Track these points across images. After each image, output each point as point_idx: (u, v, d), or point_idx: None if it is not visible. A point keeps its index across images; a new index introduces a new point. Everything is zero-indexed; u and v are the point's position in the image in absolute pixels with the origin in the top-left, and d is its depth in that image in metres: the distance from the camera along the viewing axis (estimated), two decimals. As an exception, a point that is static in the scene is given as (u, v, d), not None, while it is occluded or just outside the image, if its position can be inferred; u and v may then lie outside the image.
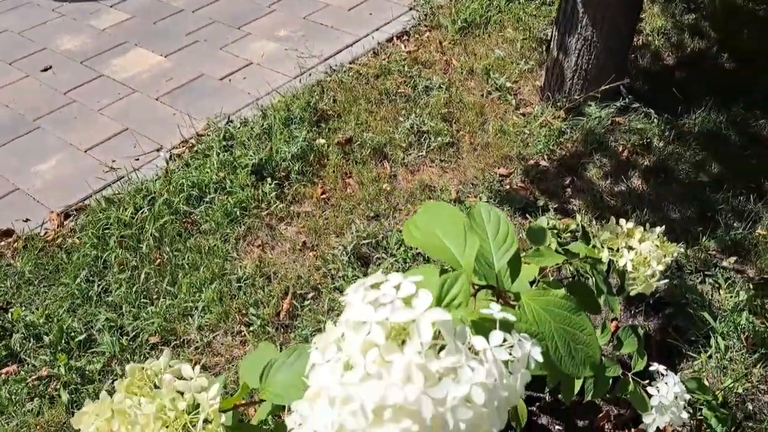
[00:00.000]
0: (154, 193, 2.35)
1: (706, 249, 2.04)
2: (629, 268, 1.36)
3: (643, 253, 1.37)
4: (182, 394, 1.00)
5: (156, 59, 3.20)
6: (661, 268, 1.37)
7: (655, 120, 2.51)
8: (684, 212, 2.18)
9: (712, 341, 1.77)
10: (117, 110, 2.89)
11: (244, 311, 1.96)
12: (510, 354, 0.69)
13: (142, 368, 0.97)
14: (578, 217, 1.94)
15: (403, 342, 0.67)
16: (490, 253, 1.04)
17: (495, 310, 0.78)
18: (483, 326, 0.72)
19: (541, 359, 0.74)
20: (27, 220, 2.36)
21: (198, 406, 0.97)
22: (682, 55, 2.95)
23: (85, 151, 2.65)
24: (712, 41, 3.00)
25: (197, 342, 1.89)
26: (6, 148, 2.71)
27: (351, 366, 0.62)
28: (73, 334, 1.92)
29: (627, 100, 2.54)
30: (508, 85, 2.76)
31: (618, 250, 1.38)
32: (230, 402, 1.11)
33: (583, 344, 0.97)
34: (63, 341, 1.89)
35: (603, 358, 1.53)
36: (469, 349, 0.66)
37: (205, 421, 0.96)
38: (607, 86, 2.48)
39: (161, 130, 2.74)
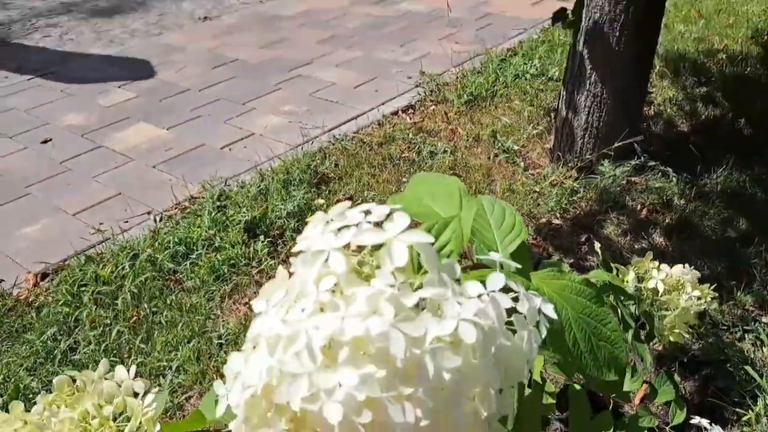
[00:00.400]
0: (138, 250, 2.19)
1: (741, 304, 1.83)
2: (660, 288, 1.16)
3: (675, 275, 1.18)
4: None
5: (157, 132, 3.15)
6: (697, 293, 1.18)
7: (673, 178, 2.36)
8: (713, 268, 1.98)
9: (760, 402, 1.51)
10: (111, 177, 2.79)
11: (223, 371, 1.74)
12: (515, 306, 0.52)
13: (72, 380, 0.78)
14: (597, 243, 1.74)
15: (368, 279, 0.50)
16: (494, 242, 0.85)
17: (495, 257, 0.61)
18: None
19: (554, 315, 0.56)
20: (1, 280, 2.20)
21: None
22: (697, 122, 2.85)
23: (74, 215, 2.53)
24: (725, 109, 2.91)
25: (167, 404, 1.65)
26: (-8, 213, 2.60)
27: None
28: (30, 394, 1.70)
29: (642, 158, 2.41)
30: (516, 148, 2.66)
31: (644, 276, 1.20)
32: (175, 427, 0.89)
33: (607, 341, 0.77)
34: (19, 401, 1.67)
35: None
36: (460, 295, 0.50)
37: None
38: (621, 144, 2.36)
39: (155, 195, 2.62)
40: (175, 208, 2.49)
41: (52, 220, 2.50)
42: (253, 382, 0.46)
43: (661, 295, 1.17)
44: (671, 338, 1.21)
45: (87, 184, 2.75)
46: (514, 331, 0.52)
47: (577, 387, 1.23)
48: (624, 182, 2.37)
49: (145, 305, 1.96)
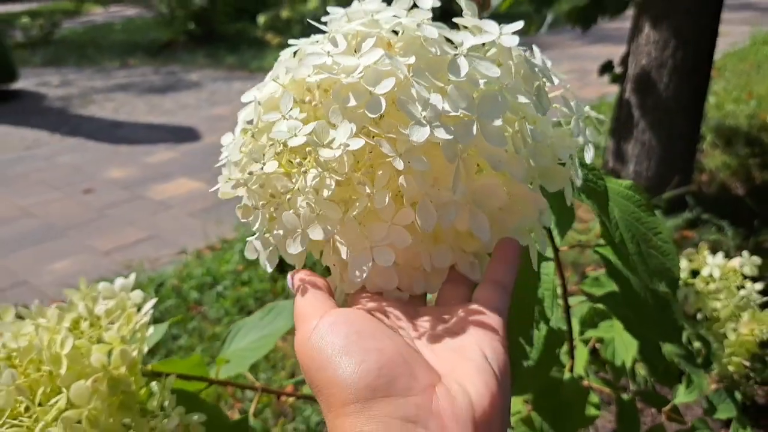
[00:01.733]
0: (165, 280, 2.12)
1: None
2: (716, 274, 1.04)
3: (732, 264, 1.06)
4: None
5: (196, 185, 3.17)
6: (759, 286, 1.05)
7: (729, 232, 2.21)
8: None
9: None
10: (146, 222, 2.78)
11: (239, 396, 1.60)
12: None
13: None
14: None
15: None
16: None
17: None
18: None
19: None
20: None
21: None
22: (751, 185, 2.72)
23: (105, 253, 2.50)
24: (781, 175, 2.78)
25: (177, 426, 1.51)
26: (28, 252, 2.59)
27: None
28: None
29: (695, 211, 2.28)
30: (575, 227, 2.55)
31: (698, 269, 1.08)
32: (169, 365, 0.80)
33: (657, 250, 0.67)
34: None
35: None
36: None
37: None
38: (671, 195, 2.24)
39: (188, 238, 2.59)
40: (207, 249, 2.44)
41: (83, 257, 2.46)
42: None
43: (716, 288, 1.04)
44: (731, 368, 1.07)
45: (122, 228, 2.74)
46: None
47: (625, 397, 1.08)
48: (676, 236, 2.23)
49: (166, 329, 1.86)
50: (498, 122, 0.38)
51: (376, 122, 0.38)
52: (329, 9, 0.46)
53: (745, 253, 1.05)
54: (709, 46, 2.16)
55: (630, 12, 2.34)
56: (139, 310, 0.72)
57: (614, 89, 2.47)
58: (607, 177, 0.72)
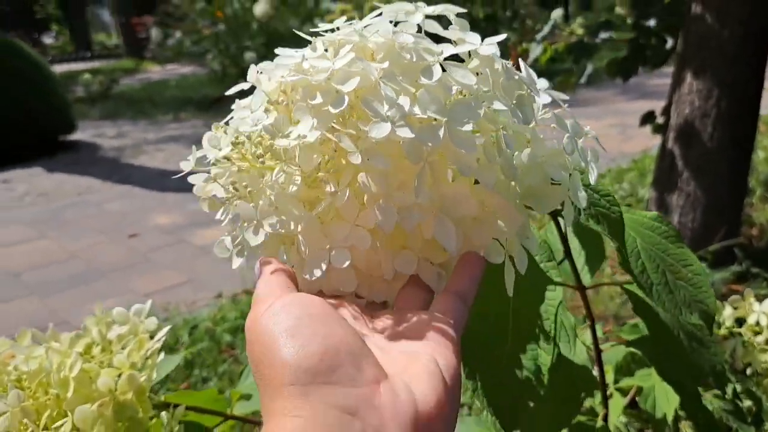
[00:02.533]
0: (199, 323, 2.13)
1: None
2: (763, 321, 0.98)
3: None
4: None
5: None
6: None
7: (785, 288, 2.11)
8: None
9: None
10: (186, 266, 2.82)
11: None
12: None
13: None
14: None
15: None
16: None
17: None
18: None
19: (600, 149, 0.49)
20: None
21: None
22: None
23: (145, 295, 2.53)
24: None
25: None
26: (70, 293, 2.66)
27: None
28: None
29: (744, 264, 2.18)
30: (606, 265, 2.49)
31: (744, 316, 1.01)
32: (184, 396, 0.79)
33: (688, 282, 0.63)
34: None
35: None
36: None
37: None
38: (718, 247, 2.16)
39: (225, 283, 2.60)
40: (243, 293, 2.45)
41: (123, 299, 2.50)
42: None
43: (765, 338, 0.98)
44: None
45: (163, 272, 2.78)
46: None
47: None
48: (724, 290, 2.14)
49: (197, 371, 1.85)
50: (468, 126, 0.36)
51: (343, 121, 0.38)
52: (319, 24, 0.47)
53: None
54: (755, 96, 2.11)
55: (671, 67, 2.32)
56: (152, 337, 0.72)
57: (656, 143, 2.43)
58: (630, 209, 0.69)
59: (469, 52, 0.41)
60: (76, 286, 2.71)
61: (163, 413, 0.72)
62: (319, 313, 0.35)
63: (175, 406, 0.72)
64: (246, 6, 7.07)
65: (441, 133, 0.36)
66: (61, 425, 0.60)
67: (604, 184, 3.38)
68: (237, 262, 0.44)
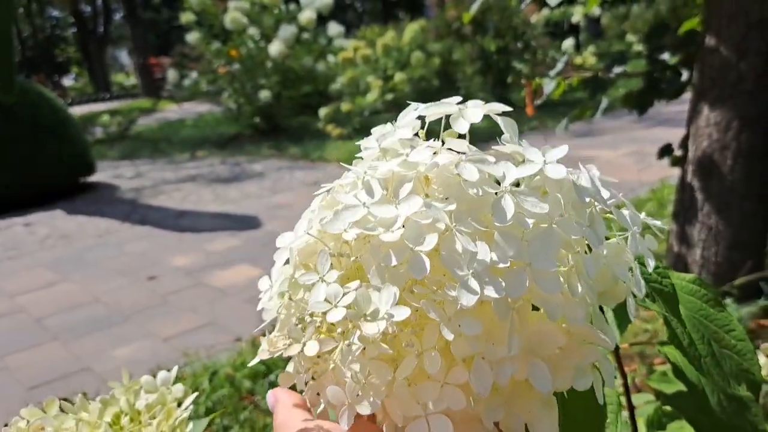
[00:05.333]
0: (218, 369, 2.12)
1: None
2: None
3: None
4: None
5: (256, 272, 3.22)
6: None
7: (814, 322, 2.06)
8: None
9: None
10: (205, 309, 2.82)
11: None
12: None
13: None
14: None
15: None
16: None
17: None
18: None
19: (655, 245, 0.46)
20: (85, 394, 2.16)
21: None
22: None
23: (164, 340, 2.53)
24: None
25: None
26: (93, 337, 2.66)
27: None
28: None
29: (772, 298, 2.14)
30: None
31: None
32: None
33: (732, 350, 0.61)
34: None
35: None
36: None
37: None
38: (743, 281, 2.12)
39: (244, 326, 2.61)
40: (262, 336, 2.44)
41: (144, 344, 2.50)
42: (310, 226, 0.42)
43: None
44: None
45: (182, 314, 2.79)
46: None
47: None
48: (752, 324, 2.09)
49: (218, 420, 1.84)
50: (551, 267, 0.35)
51: (420, 281, 0.36)
52: (361, 143, 0.44)
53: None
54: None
55: (689, 95, 2.31)
56: (179, 404, 0.71)
57: (675, 171, 2.41)
58: (670, 272, 0.68)
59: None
60: (98, 330, 2.72)
61: (193, 482, 0.71)
62: None
63: (204, 473, 0.71)
64: (260, 45, 7.20)
65: (525, 281, 0.34)
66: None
67: (623, 215, 3.36)
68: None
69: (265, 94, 7.06)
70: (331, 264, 0.38)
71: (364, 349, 0.36)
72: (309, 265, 0.39)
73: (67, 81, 21.74)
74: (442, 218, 0.35)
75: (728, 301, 2.13)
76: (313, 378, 0.39)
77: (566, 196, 0.38)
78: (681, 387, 0.92)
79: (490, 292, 0.33)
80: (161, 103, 12.75)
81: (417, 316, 0.36)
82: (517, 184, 0.39)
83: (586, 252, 0.40)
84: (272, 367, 2.10)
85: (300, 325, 0.38)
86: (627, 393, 0.82)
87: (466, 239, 0.35)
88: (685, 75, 2.36)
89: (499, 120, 0.43)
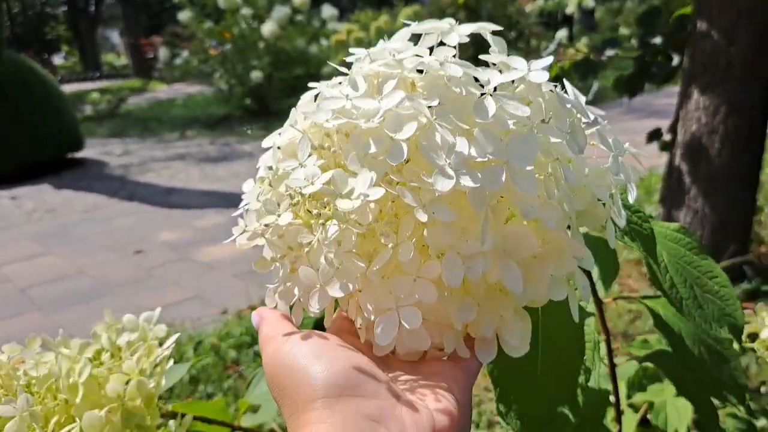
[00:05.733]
0: (203, 339, 2.12)
1: None
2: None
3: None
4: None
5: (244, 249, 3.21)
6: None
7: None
8: None
9: None
10: (192, 283, 2.82)
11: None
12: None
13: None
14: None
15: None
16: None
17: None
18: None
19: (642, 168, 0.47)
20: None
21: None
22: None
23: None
24: None
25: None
26: (76, 308, 2.65)
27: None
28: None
29: (754, 281, 2.16)
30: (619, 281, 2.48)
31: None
32: (192, 407, 0.78)
33: (715, 295, 0.62)
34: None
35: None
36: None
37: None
38: (727, 264, 2.14)
39: (230, 299, 2.60)
40: (248, 309, 2.44)
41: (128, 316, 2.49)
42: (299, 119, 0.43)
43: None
44: None
45: (168, 287, 2.78)
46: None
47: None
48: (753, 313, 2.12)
49: (202, 387, 1.84)
50: (529, 167, 0.35)
51: (399, 169, 0.36)
52: (352, 50, 0.45)
53: (807, 316, 0.97)
54: (763, 114, 2.10)
55: (678, 87, 2.32)
56: (161, 344, 0.72)
57: (663, 161, 2.43)
58: (654, 221, 0.68)
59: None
60: (82, 302, 2.70)
61: (171, 421, 0.71)
62: (336, 343, 0.38)
63: (183, 415, 0.71)
64: (253, 25, 7.14)
65: (503, 175, 0.35)
66: (70, 430, 0.59)
67: (611, 202, 3.38)
68: (298, 318, 0.42)
69: (256, 75, 7.01)
70: (312, 154, 0.38)
71: (339, 241, 0.37)
72: (296, 155, 0.40)
73: (57, 59, 21.50)
74: (423, 111, 0.36)
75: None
76: (290, 268, 0.40)
77: (548, 104, 0.39)
78: (661, 347, 0.94)
79: (466, 181, 0.34)
80: (152, 84, 12.64)
81: (394, 207, 0.37)
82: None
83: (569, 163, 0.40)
84: (257, 338, 2.10)
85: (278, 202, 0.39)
86: (609, 351, 0.83)
87: (446, 132, 0.35)
88: (675, 60, 2.36)
89: (489, 37, 0.43)
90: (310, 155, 0.39)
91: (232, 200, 4.10)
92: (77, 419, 0.60)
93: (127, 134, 7.16)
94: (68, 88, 10.15)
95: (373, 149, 0.36)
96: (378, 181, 0.36)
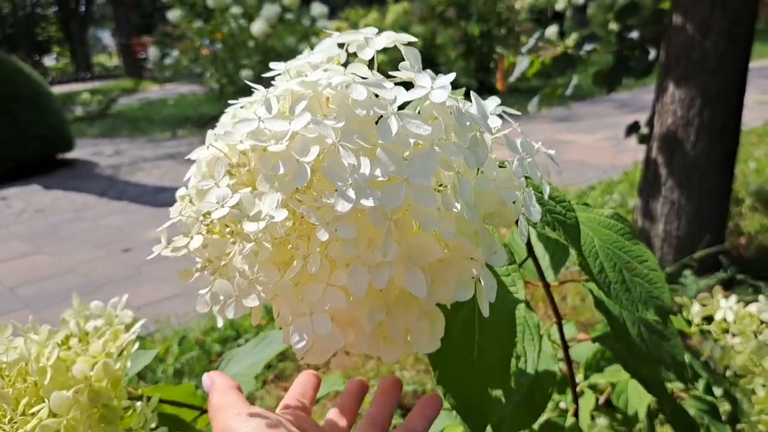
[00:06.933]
0: (188, 334, 2.15)
1: None
2: (729, 318, 1.00)
3: (749, 309, 1.01)
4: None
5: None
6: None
7: (766, 293, 2.13)
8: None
9: None
10: (177, 280, 2.84)
11: None
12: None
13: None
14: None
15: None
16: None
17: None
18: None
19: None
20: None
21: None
22: (792, 249, 2.63)
23: (137, 308, 2.55)
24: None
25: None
26: (64, 305, 2.65)
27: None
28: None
29: (729, 271, 2.21)
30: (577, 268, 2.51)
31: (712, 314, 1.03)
32: (161, 390, 0.81)
33: (644, 278, 0.66)
34: None
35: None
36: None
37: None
38: (704, 254, 2.18)
39: (218, 295, 2.63)
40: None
41: (116, 312, 2.52)
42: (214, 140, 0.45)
43: (732, 333, 1.00)
44: (761, 427, 1.01)
45: (156, 284, 2.81)
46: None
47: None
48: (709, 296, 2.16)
49: (186, 380, 1.87)
50: (428, 182, 0.38)
51: (306, 189, 0.38)
52: (272, 65, 0.47)
53: (761, 297, 1.01)
54: (737, 105, 2.14)
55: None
56: (128, 330, 0.74)
57: (646, 153, 2.47)
58: (588, 207, 0.72)
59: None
60: (70, 299, 2.72)
61: (138, 402, 0.74)
62: (279, 423, 0.44)
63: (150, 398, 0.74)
64: (242, 25, 7.15)
65: (402, 194, 0.37)
66: (39, 410, 0.62)
67: (594, 195, 3.42)
68: (220, 322, 0.45)
69: (246, 74, 7.03)
70: (229, 172, 0.41)
71: (256, 252, 0.39)
72: (214, 175, 0.42)
73: (48, 61, 21.43)
74: (328, 134, 0.38)
75: (687, 272, 2.19)
76: (211, 275, 0.43)
77: (448, 121, 0.41)
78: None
79: (367, 201, 0.37)
80: (143, 84, 12.63)
81: (302, 223, 0.39)
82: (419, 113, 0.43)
83: (478, 174, 0.43)
84: (241, 332, 2.13)
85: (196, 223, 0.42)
86: (561, 333, 0.86)
87: (349, 154, 0.38)
88: (652, 54, 2.40)
89: (403, 49, 0.46)
90: (224, 176, 0.41)
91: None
92: (46, 400, 0.63)
93: (117, 134, 7.17)
94: (59, 89, 10.14)
95: (281, 170, 0.38)
96: (285, 201, 0.38)
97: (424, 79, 0.42)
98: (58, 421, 0.62)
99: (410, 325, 0.43)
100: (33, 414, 0.62)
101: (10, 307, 2.69)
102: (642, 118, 2.69)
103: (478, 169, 0.43)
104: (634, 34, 2.43)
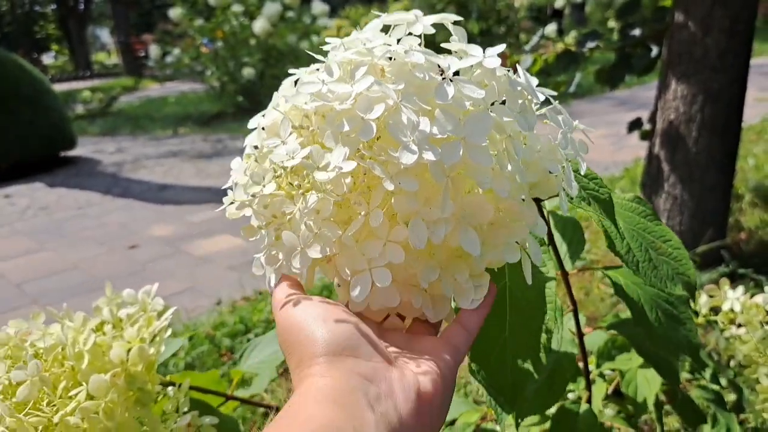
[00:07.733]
0: (198, 328, 2.17)
1: None
2: (736, 308, 1.02)
3: (755, 300, 1.04)
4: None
5: (238, 242, 3.26)
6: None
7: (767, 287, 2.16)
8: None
9: None
10: (186, 275, 2.87)
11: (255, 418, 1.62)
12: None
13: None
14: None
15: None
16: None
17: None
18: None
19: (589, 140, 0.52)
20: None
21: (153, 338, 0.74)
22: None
23: (145, 304, 2.58)
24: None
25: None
26: (71, 301, 2.69)
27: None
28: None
29: (731, 266, 2.24)
30: (591, 258, 2.54)
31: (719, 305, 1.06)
32: (192, 377, 0.84)
33: (669, 257, 0.68)
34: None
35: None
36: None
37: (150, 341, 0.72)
38: (705, 249, 2.21)
39: (225, 291, 2.65)
40: (242, 300, 2.49)
41: (124, 308, 2.54)
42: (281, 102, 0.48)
43: (738, 323, 1.02)
44: (765, 415, 1.04)
45: (162, 281, 2.82)
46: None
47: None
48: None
49: (196, 373, 1.90)
50: (483, 142, 0.40)
51: (369, 146, 0.41)
52: (327, 39, 0.50)
53: (767, 289, 1.03)
54: (738, 102, 2.17)
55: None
56: (159, 316, 0.77)
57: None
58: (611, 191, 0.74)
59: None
60: (76, 295, 2.75)
61: (170, 388, 0.77)
62: (342, 309, 0.44)
63: (180, 385, 0.77)
64: (244, 23, 7.17)
65: (459, 151, 0.40)
66: (77, 393, 0.64)
67: (596, 191, 3.44)
68: (273, 281, 0.48)
69: (248, 72, 7.04)
70: (297, 130, 0.44)
71: (318, 210, 0.42)
72: (280, 134, 0.46)
73: (47, 59, 21.40)
74: (390, 95, 0.41)
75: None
76: (275, 234, 0.45)
77: (502, 87, 0.45)
78: (626, 318, 1.00)
79: (428, 155, 0.40)
80: (143, 82, 12.64)
81: (366, 180, 0.42)
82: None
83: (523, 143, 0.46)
84: (251, 327, 2.16)
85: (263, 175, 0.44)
86: (576, 320, 0.89)
87: (411, 112, 0.41)
88: (654, 51, 2.43)
89: (451, 27, 0.49)
90: (290, 134, 0.44)
91: (225, 196, 4.15)
92: (83, 384, 0.65)
93: (119, 132, 7.19)
94: (59, 88, 10.14)
95: (346, 128, 0.41)
96: (351, 155, 0.41)
97: (476, 49, 0.45)
98: (97, 404, 0.64)
99: (461, 285, 0.45)
100: (71, 397, 0.64)
101: (17, 303, 2.71)
102: (641, 115, 2.72)
103: (524, 138, 0.46)
104: (636, 32, 2.45)
